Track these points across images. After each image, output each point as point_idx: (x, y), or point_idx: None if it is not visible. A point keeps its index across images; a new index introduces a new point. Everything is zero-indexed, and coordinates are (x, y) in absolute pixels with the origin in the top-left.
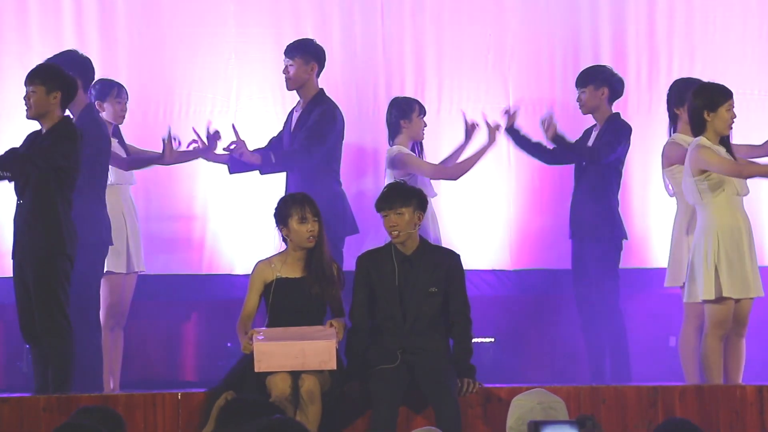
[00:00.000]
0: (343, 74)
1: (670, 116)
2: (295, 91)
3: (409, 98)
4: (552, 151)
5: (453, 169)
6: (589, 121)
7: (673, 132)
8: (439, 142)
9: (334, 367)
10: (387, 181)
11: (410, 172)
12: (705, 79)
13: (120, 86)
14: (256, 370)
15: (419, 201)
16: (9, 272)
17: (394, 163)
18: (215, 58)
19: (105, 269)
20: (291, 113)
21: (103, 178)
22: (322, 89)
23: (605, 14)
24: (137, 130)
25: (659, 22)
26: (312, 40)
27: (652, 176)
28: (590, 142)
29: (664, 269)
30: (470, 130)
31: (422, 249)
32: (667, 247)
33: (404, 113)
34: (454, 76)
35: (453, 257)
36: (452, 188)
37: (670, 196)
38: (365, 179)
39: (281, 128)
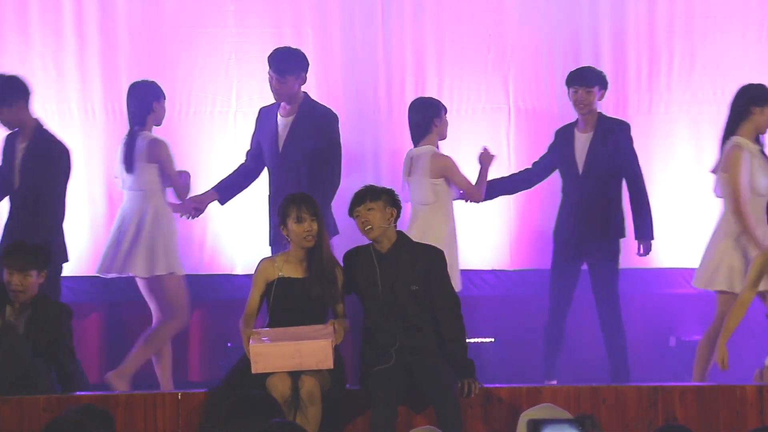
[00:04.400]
0: (344, 74)
1: (731, 118)
2: None
3: (433, 98)
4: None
5: (478, 192)
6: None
7: (731, 135)
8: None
9: (331, 366)
10: (415, 184)
11: (449, 178)
12: (704, 79)
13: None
14: (253, 371)
15: (389, 197)
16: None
17: (443, 167)
18: (215, 58)
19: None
20: (269, 114)
21: (62, 197)
22: (305, 92)
23: (605, 14)
24: None
25: (659, 22)
26: (297, 50)
27: (653, 176)
28: (580, 146)
29: (664, 269)
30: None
31: (400, 247)
32: (667, 246)
33: (437, 112)
34: (454, 76)
35: (433, 253)
36: None
37: (717, 197)
38: (366, 180)
39: (253, 133)
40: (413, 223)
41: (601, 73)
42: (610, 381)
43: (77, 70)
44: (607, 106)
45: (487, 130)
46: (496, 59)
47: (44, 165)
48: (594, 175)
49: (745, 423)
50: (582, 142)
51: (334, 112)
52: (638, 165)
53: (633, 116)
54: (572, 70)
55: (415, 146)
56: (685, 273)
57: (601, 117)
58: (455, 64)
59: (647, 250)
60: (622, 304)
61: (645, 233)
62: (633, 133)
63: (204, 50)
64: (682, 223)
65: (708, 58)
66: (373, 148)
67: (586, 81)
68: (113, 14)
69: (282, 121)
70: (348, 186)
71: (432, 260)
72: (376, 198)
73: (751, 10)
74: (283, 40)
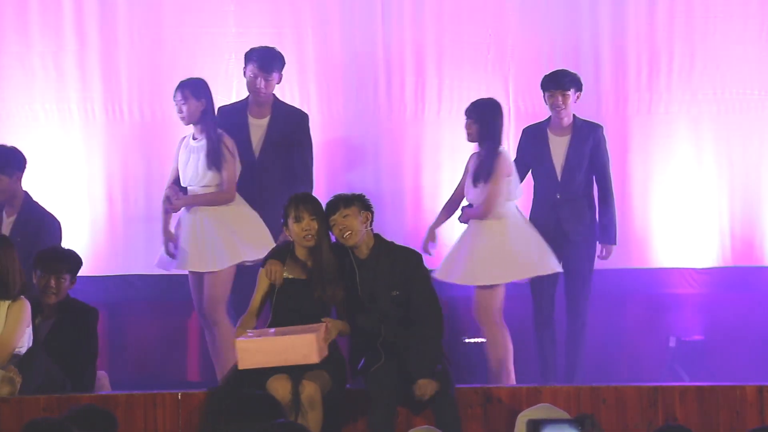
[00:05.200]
0: (344, 74)
1: None
2: (282, 89)
3: None
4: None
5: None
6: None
7: None
8: (438, 143)
9: (316, 361)
10: (493, 186)
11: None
12: (704, 79)
13: None
14: (239, 368)
15: (361, 202)
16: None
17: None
18: (215, 58)
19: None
20: (236, 115)
21: None
22: (273, 94)
23: (605, 14)
24: (136, 131)
25: (659, 22)
26: (275, 48)
27: (653, 176)
28: (558, 150)
29: (664, 269)
30: None
31: (378, 251)
32: (667, 246)
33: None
34: (454, 76)
35: (412, 257)
36: (452, 189)
37: None
38: (366, 179)
39: None
40: (509, 219)
41: (576, 75)
42: (609, 381)
43: (77, 70)
44: (607, 106)
45: None
46: (496, 59)
47: (36, 241)
48: (572, 179)
49: (745, 423)
50: (559, 145)
51: (305, 111)
52: (609, 169)
53: (633, 116)
54: (546, 73)
55: (501, 145)
56: (685, 273)
57: (576, 120)
58: (455, 64)
59: (608, 253)
60: (623, 305)
61: (608, 237)
62: (633, 132)
63: (204, 50)
64: (682, 223)
65: (708, 58)
66: (373, 148)
67: (562, 85)
68: (113, 14)
69: (256, 123)
70: (347, 186)
71: (410, 263)
72: (350, 204)
73: (751, 10)
74: (283, 40)
